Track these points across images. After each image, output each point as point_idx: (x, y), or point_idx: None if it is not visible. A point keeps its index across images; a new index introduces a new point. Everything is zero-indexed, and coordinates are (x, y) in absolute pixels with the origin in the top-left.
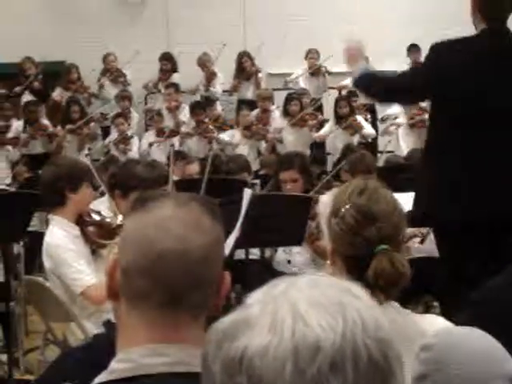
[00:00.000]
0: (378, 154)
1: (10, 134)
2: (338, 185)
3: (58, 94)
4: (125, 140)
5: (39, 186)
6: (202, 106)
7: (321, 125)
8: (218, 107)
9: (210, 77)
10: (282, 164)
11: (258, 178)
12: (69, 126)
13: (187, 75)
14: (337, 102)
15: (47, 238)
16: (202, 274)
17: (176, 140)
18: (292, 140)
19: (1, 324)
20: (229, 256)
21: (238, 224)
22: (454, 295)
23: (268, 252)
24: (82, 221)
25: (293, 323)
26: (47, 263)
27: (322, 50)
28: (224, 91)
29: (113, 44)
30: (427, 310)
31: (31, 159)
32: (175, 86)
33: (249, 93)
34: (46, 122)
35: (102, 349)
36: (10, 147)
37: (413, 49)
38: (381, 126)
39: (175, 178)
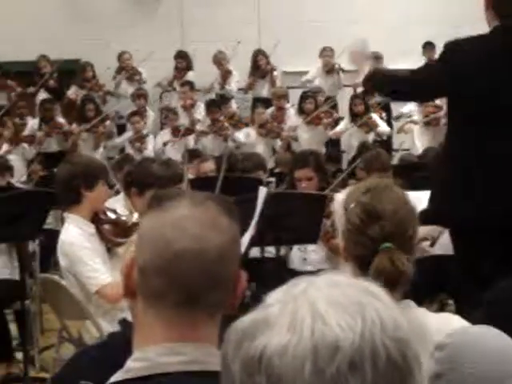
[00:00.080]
0: (393, 152)
1: (26, 132)
2: (353, 183)
3: (73, 92)
4: (140, 138)
5: (55, 184)
6: (217, 104)
7: (336, 123)
8: (233, 105)
9: (226, 75)
10: (297, 162)
11: (273, 176)
12: (84, 125)
13: (202, 73)
14: (352, 99)
15: (62, 236)
16: (219, 274)
17: (191, 138)
18: (307, 138)
19: (16, 322)
20: (244, 254)
21: (253, 222)
22: (468, 294)
23: (283, 250)
24: (97, 219)
25: (312, 322)
26: (63, 261)
27: (337, 48)
28: (239, 89)
29: (128, 42)
30: (442, 308)
31: (46, 157)
32: (190, 84)
33: (264, 91)
34: (61, 120)
35: (117, 347)
36: (25, 145)
37: (428, 47)
38: (395, 124)
39: (190, 176)
